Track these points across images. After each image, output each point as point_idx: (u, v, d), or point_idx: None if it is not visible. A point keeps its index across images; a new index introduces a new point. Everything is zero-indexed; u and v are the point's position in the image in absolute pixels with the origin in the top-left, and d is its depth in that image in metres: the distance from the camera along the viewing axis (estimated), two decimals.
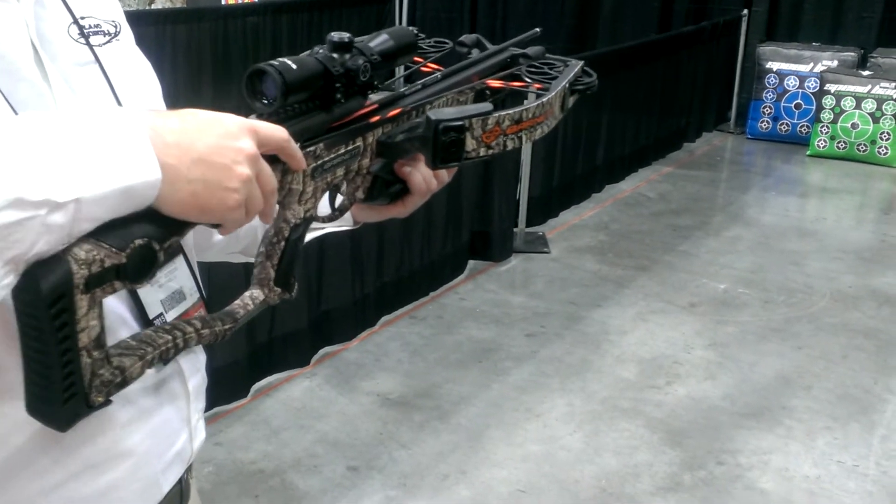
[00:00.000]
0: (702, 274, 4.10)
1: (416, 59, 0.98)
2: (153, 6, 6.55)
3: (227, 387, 2.85)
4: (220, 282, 2.38)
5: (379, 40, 0.81)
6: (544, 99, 0.87)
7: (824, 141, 6.04)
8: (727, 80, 6.69)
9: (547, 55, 1.01)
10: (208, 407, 3.04)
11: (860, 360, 3.33)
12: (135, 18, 5.74)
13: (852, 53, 6.24)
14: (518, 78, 0.97)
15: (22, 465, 0.73)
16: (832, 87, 6.00)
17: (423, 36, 0.99)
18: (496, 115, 0.81)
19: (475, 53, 1.00)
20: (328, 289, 3.24)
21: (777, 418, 2.94)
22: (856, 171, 5.78)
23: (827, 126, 6.02)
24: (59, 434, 0.73)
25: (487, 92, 0.96)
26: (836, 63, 6.19)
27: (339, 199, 0.88)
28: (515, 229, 4.34)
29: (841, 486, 2.60)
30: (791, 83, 6.32)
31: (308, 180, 0.77)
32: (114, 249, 0.61)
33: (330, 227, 0.98)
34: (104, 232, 0.61)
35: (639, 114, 5.60)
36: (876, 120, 5.85)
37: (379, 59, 0.80)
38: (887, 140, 5.83)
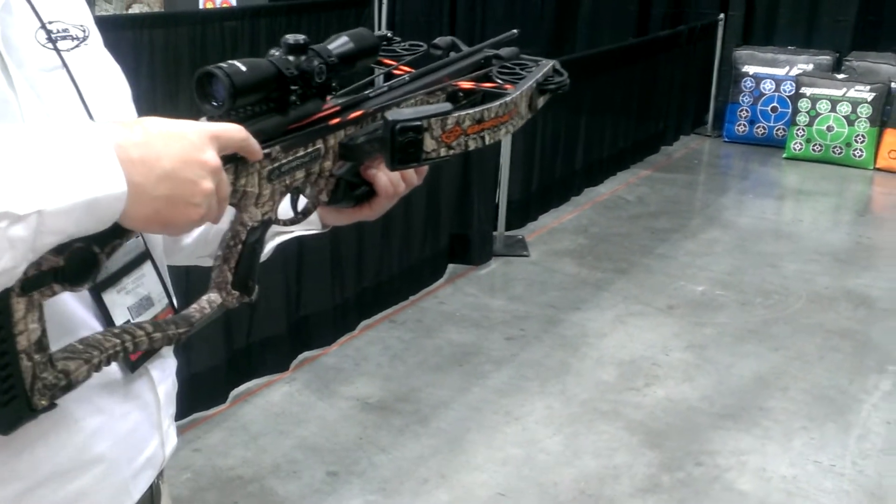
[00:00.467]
0: (680, 276, 4.13)
1: (388, 61, 0.97)
2: (130, 10, 6.51)
3: (205, 392, 2.84)
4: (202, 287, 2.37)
5: (338, 43, 0.81)
6: (507, 98, 0.86)
7: (800, 144, 6.10)
8: (704, 84, 6.74)
9: (521, 56, 1.01)
10: (187, 413, 3.01)
11: (836, 360, 3.37)
12: (112, 23, 5.72)
13: (827, 57, 6.31)
14: (489, 79, 0.96)
15: None
16: (808, 91, 6.06)
17: (397, 39, 0.99)
18: (456, 114, 0.80)
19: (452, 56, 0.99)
20: (307, 293, 3.23)
21: (754, 419, 2.97)
22: (831, 174, 5.84)
23: (803, 129, 6.08)
24: (22, 442, 0.73)
25: (460, 94, 0.95)
26: (811, 66, 6.26)
27: (303, 201, 0.87)
28: (495, 233, 4.35)
29: (818, 485, 2.62)
30: (767, 87, 6.37)
31: (264, 183, 0.76)
32: (51, 252, 0.61)
33: (298, 231, 0.98)
34: None
35: (617, 117, 5.63)
36: (851, 123, 5.91)
37: (337, 62, 0.79)
38: (862, 143, 5.89)
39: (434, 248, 3.95)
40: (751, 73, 6.42)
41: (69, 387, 0.65)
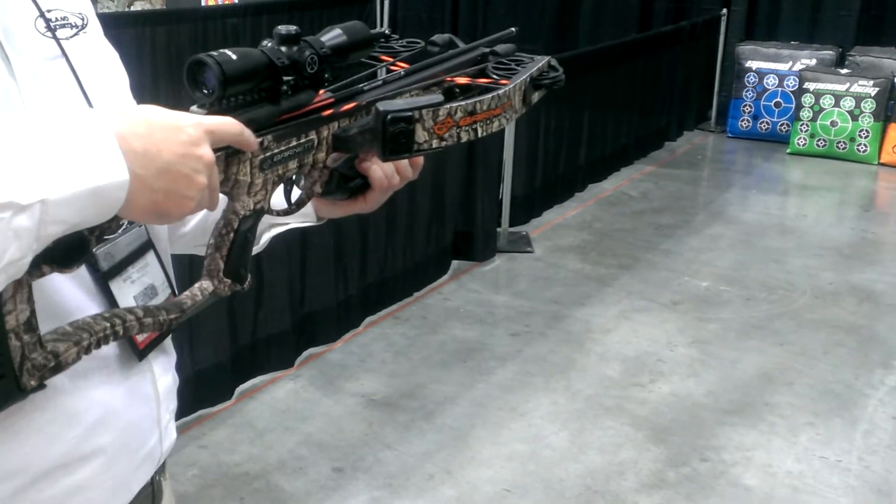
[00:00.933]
0: (684, 272, 4.13)
1: (385, 57, 0.97)
2: (132, 7, 6.51)
3: (211, 389, 2.84)
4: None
5: (331, 35, 0.81)
6: (500, 91, 0.86)
7: (804, 139, 6.09)
8: (707, 79, 6.73)
9: (517, 53, 1.01)
10: (192, 409, 3.02)
11: (841, 355, 3.36)
12: (114, 20, 5.72)
13: (831, 52, 6.29)
14: (485, 75, 0.96)
15: None
16: (811, 86, 6.05)
17: (395, 37, 0.99)
18: (447, 106, 0.80)
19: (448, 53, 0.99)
20: (312, 290, 3.23)
21: (760, 414, 2.96)
22: (836, 169, 5.83)
23: (806, 124, 6.07)
24: (25, 433, 0.73)
25: (456, 90, 0.95)
26: (814, 61, 6.25)
27: (297, 193, 0.87)
28: (499, 229, 4.35)
29: (824, 481, 2.62)
30: (770, 82, 6.36)
31: (257, 172, 0.76)
32: None
33: (293, 223, 0.98)
34: None
35: (620, 113, 5.62)
36: (855, 118, 5.90)
37: (329, 53, 0.79)
38: (866, 137, 5.88)
39: (438, 245, 3.94)
40: (754, 69, 6.41)
41: (58, 368, 0.65)
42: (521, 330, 3.54)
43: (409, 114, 0.78)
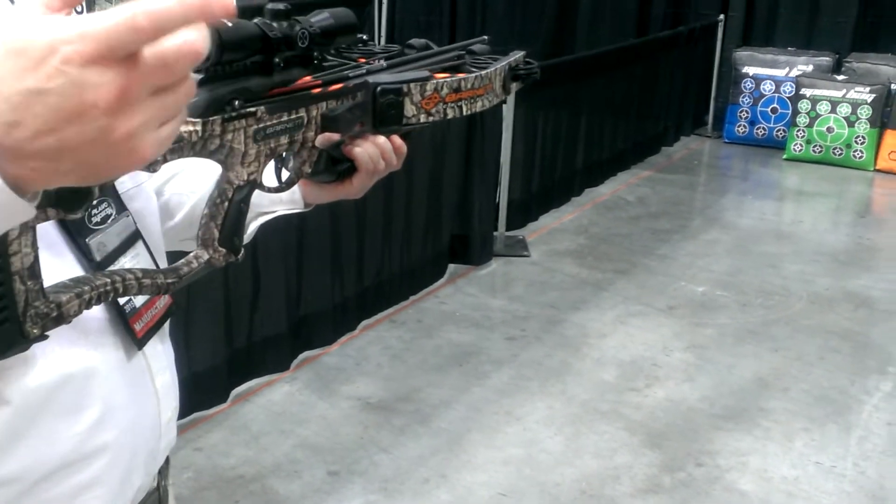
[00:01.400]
0: (680, 277, 4.13)
1: (361, 59, 0.99)
2: None
3: (206, 392, 2.84)
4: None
5: (320, 17, 0.83)
6: (483, 72, 0.91)
7: (800, 145, 6.10)
8: (704, 85, 6.74)
9: (492, 54, 1.05)
10: (188, 412, 3.01)
11: (837, 361, 3.37)
12: None
13: (827, 58, 6.31)
14: (463, 70, 1.00)
15: None
16: (808, 92, 6.07)
17: (373, 42, 1.02)
18: (434, 81, 0.85)
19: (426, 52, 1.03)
20: (308, 293, 3.23)
21: (755, 420, 2.97)
22: (832, 175, 5.85)
23: (803, 130, 6.08)
24: (24, 431, 0.73)
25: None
26: (811, 68, 6.26)
27: (287, 175, 0.89)
28: (495, 233, 4.35)
29: (819, 486, 2.62)
30: (767, 88, 6.38)
31: (250, 142, 0.77)
32: None
33: (280, 210, 0.99)
34: None
35: (617, 118, 5.63)
36: (851, 124, 5.91)
37: (318, 32, 0.81)
38: (862, 144, 5.90)
39: (435, 248, 3.95)
40: (751, 74, 6.43)
41: (60, 319, 0.65)
42: (517, 334, 3.54)
43: (398, 86, 0.83)
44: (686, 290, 3.99)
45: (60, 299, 0.65)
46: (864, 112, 5.87)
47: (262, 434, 2.80)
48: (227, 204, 0.79)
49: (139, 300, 0.83)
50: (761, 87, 6.39)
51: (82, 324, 0.76)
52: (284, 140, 0.81)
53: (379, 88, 0.82)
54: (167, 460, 0.95)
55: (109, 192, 0.84)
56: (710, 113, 6.80)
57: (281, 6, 0.77)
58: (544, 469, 2.68)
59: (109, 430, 0.80)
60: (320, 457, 2.70)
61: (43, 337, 0.64)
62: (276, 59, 0.76)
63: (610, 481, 2.63)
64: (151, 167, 0.68)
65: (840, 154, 5.97)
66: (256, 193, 0.83)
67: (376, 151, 0.91)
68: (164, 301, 0.88)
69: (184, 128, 0.72)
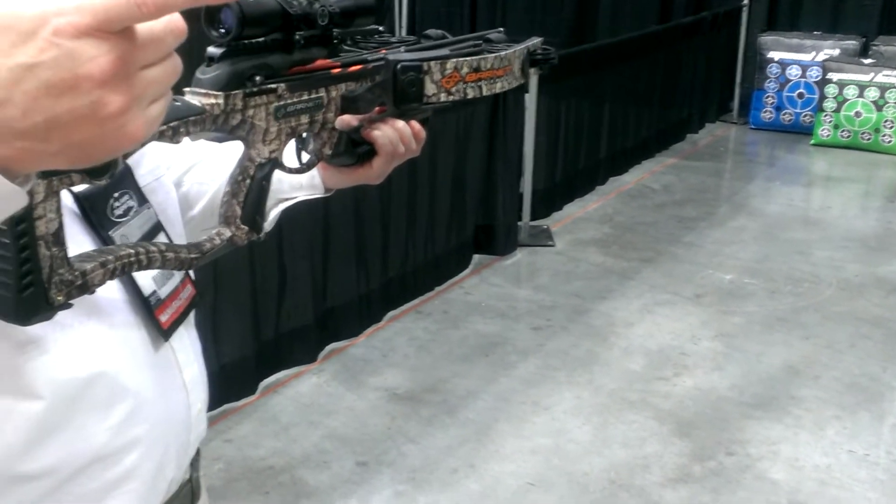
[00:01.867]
0: (707, 265, 4.10)
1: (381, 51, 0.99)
2: None
3: (235, 384, 2.85)
4: (215, 261, 2.38)
5: None
6: (503, 53, 0.91)
7: (828, 130, 6.02)
8: (729, 71, 6.67)
9: (509, 42, 1.05)
10: (217, 404, 3.03)
11: (868, 348, 3.33)
12: None
13: (854, 42, 6.22)
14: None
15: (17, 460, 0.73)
16: (835, 76, 5.98)
17: (388, 33, 1.01)
18: (454, 60, 0.85)
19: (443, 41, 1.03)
20: (333, 285, 3.23)
21: (785, 408, 2.94)
22: (860, 160, 5.77)
23: (830, 115, 6.00)
24: (58, 426, 0.73)
25: None
26: (837, 52, 6.18)
27: (307, 158, 0.89)
28: (520, 223, 4.34)
29: (851, 475, 2.59)
30: (793, 72, 6.30)
31: (271, 119, 0.77)
32: None
33: (301, 196, 0.99)
34: None
35: (641, 105, 5.58)
36: (879, 108, 5.83)
37: (338, 11, 0.81)
38: (891, 128, 5.81)
39: (459, 239, 3.94)
40: (776, 59, 6.35)
41: (85, 287, 0.64)
42: (542, 324, 3.53)
43: (419, 63, 0.83)
44: (713, 277, 3.96)
45: (85, 268, 0.64)
46: (893, 96, 5.78)
47: (290, 425, 2.82)
48: (248, 181, 0.80)
49: (164, 291, 0.83)
50: (787, 71, 6.31)
51: (109, 316, 0.77)
52: (305, 119, 0.81)
53: (399, 66, 0.82)
54: (198, 452, 0.96)
55: (131, 186, 0.84)
56: (736, 99, 6.73)
57: None
58: (573, 459, 2.67)
59: (141, 424, 0.80)
60: (349, 448, 2.71)
61: (67, 305, 0.63)
62: (297, 37, 0.77)
63: (639, 470, 2.62)
64: (174, 138, 0.68)
65: (868, 139, 5.89)
66: (276, 179, 0.83)
67: (396, 135, 0.91)
68: (187, 292, 0.88)
69: (206, 100, 0.72)
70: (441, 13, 7.91)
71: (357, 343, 3.34)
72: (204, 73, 0.73)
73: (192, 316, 0.90)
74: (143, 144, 0.50)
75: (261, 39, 0.75)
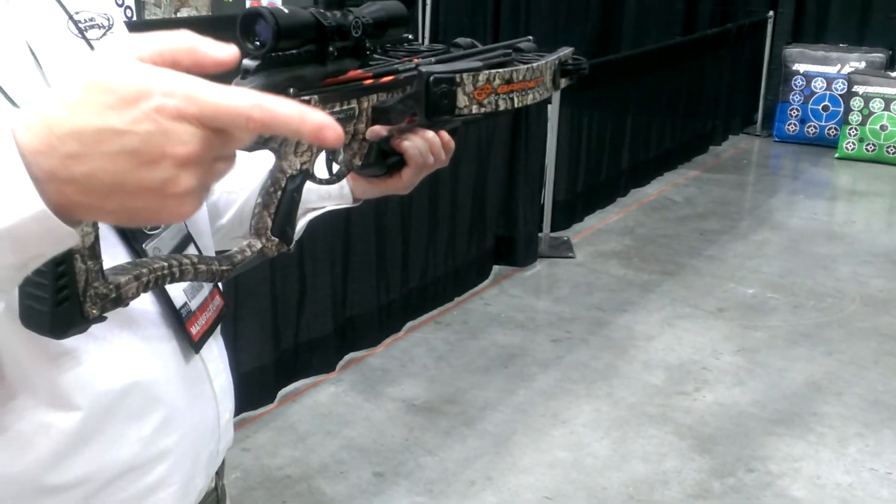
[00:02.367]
0: (729, 278, 4.06)
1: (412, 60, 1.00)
2: (179, 14, 6.61)
3: (253, 392, 2.86)
4: (244, 273, 2.39)
5: (372, 8, 0.83)
6: (534, 64, 0.91)
7: (853, 143, 5.97)
8: (753, 83, 6.63)
9: (539, 52, 1.04)
10: (236, 413, 3.05)
11: (892, 365, 3.28)
12: (161, 26, 5.82)
13: (880, 54, 6.16)
14: (511, 66, 1.01)
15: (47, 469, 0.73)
16: (860, 89, 5.93)
17: (417, 41, 1.01)
18: (486, 72, 0.85)
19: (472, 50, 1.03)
20: (353, 295, 3.24)
21: (808, 425, 2.90)
22: (885, 174, 5.71)
23: (855, 128, 5.95)
24: (89, 436, 0.73)
25: None
26: (863, 64, 6.12)
27: (336, 168, 0.90)
28: (540, 234, 4.33)
29: (874, 493, 2.56)
30: (818, 85, 6.25)
31: None
32: None
33: (329, 206, 0.99)
34: None
35: (664, 117, 5.56)
36: None
37: (371, 22, 0.81)
38: None
39: (479, 250, 3.93)
40: (801, 72, 6.30)
41: (119, 300, 0.64)
42: (562, 336, 3.52)
43: (451, 76, 0.83)
44: (735, 291, 3.93)
45: (119, 281, 0.64)
46: None
47: (308, 435, 2.82)
48: (280, 193, 0.80)
49: (194, 303, 0.83)
50: (812, 84, 6.26)
51: (142, 328, 0.77)
52: None
53: (432, 78, 0.82)
54: (223, 460, 0.96)
55: None
56: (760, 111, 6.68)
57: None
58: (591, 473, 2.66)
59: (172, 434, 0.80)
60: (366, 458, 2.71)
61: (101, 318, 0.64)
62: (330, 49, 0.77)
63: (659, 486, 2.60)
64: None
65: (894, 152, 5.83)
66: (305, 190, 0.83)
67: (425, 145, 0.91)
68: (216, 303, 0.88)
69: None
70: (464, 23, 7.93)
71: (376, 353, 3.34)
72: (239, 86, 0.74)
73: (219, 326, 0.91)
74: None
75: (294, 52, 0.75)
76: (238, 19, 0.72)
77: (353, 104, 0.82)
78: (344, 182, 0.95)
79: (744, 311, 3.73)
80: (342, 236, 3.14)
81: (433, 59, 0.91)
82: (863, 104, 5.91)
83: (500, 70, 0.87)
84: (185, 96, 0.44)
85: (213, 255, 0.87)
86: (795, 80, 6.32)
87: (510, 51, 1.01)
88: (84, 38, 0.80)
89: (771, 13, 6.55)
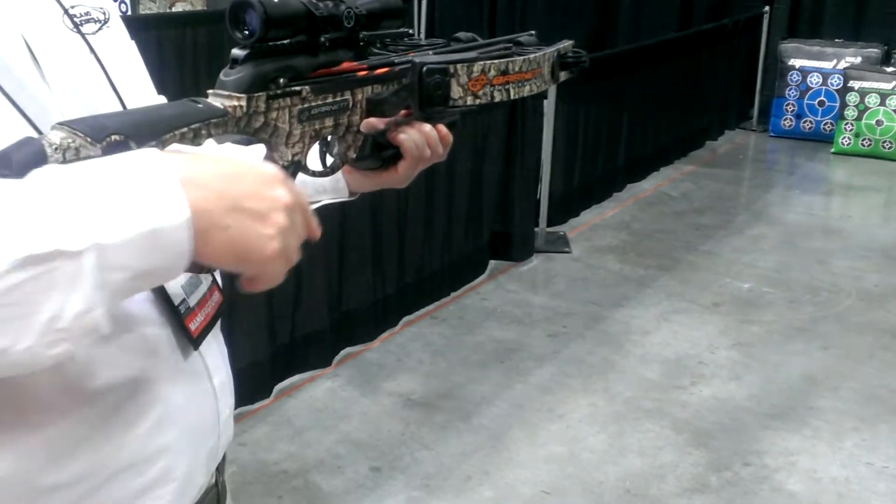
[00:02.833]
0: (725, 273, 4.07)
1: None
2: (174, 9, 6.59)
3: (249, 387, 2.85)
4: None
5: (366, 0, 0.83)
6: (531, 56, 0.90)
7: (849, 138, 5.97)
8: (749, 78, 6.63)
9: (539, 45, 1.04)
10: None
11: (888, 359, 3.29)
12: (156, 21, 5.80)
13: (876, 50, 6.17)
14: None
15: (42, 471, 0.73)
16: (856, 84, 5.93)
17: (417, 37, 1.01)
18: (481, 63, 0.84)
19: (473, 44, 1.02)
20: (349, 289, 3.23)
21: (804, 419, 2.91)
22: (881, 169, 5.71)
23: (851, 123, 5.95)
24: (86, 435, 0.73)
25: None
26: (859, 59, 6.13)
27: (331, 161, 0.89)
28: (536, 229, 4.32)
29: (870, 487, 2.56)
30: (814, 80, 6.25)
31: (295, 122, 0.77)
32: (88, 139, 0.60)
33: (325, 199, 0.98)
34: (78, 121, 0.61)
35: (660, 112, 5.56)
36: None
37: (364, 13, 0.80)
38: None
39: (475, 245, 3.93)
40: (797, 67, 6.31)
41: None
42: (558, 331, 3.52)
43: (445, 66, 0.82)
44: (731, 286, 3.93)
45: None
46: None
47: (304, 429, 2.81)
48: None
49: (193, 299, 0.83)
50: (808, 79, 6.27)
51: (139, 326, 0.77)
52: (329, 122, 0.81)
53: (425, 68, 0.82)
54: (224, 456, 0.96)
55: None
56: (756, 106, 6.68)
57: None
58: (587, 467, 2.66)
59: (170, 431, 0.80)
60: (362, 453, 2.70)
61: None
62: (322, 39, 0.76)
63: (655, 480, 2.60)
64: (195, 141, 0.70)
65: (890, 147, 5.84)
66: (301, 183, 0.82)
67: (422, 138, 0.90)
68: (215, 299, 0.88)
69: (228, 102, 0.72)
70: (460, 17, 7.92)
71: (372, 348, 3.34)
72: (227, 76, 0.73)
73: (219, 322, 0.90)
74: None
75: (285, 41, 0.74)
76: (227, 9, 0.71)
77: (347, 95, 0.81)
78: (339, 175, 0.94)
79: (740, 306, 3.73)
80: (338, 230, 3.13)
81: (430, 52, 0.91)
82: (858, 99, 5.91)
83: (495, 61, 0.85)
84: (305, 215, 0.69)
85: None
86: (791, 76, 6.32)
87: (511, 45, 1.00)
88: (80, 32, 0.80)
89: (767, 8, 6.55)
